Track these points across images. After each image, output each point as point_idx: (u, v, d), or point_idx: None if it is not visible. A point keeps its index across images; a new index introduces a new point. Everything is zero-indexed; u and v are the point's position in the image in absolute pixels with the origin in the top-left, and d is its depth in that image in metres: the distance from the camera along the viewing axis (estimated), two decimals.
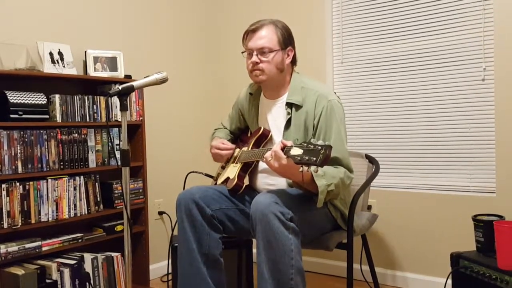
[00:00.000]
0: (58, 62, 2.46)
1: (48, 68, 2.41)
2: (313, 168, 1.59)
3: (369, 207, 2.73)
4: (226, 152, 2.17)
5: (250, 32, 2.01)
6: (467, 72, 2.56)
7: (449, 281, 2.13)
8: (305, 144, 1.63)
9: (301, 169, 1.62)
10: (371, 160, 2.43)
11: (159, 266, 3.05)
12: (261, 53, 1.98)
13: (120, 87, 1.71)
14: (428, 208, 2.67)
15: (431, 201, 2.66)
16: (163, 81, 1.82)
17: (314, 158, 1.57)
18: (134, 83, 1.76)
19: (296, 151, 1.63)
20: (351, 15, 2.93)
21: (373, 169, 2.36)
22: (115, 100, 2.64)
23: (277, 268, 1.72)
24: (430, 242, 2.67)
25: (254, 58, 1.99)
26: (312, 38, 3.03)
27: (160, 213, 3.13)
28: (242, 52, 2.07)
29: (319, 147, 1.58)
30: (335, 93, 2.09)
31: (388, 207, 2.79)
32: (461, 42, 2.57)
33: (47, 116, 2.35)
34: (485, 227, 2.06)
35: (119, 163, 1.80)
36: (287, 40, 2.02)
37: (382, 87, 2.85)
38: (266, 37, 1.98)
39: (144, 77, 1.81)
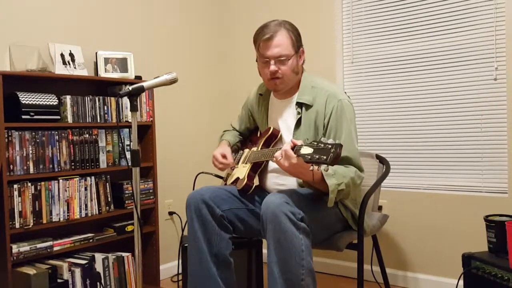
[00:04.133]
0: (69, 63, 2.48)
1: (59, 69, 2.43)
2: (323, 167, 1.58)
3: (380, 208, 2.72)
4: (221, 167, 2.16)
5: (264, 41, 1.96)
6: (479, 72, 2.54)
7: (461, 282, 2.11)
8: (315, 143, 1.62)
9: (311, 168, 1.62)
10: (381, 160, 2.42)
11: (169, 266, 3.06)
12: (279, 62, 1.96)
13: (130, 88, 1.72)
14: (440, 209, 2.65)
15: (443, 201, 2.64)
16: (173, 81, 1.83)
17: (325, 157, 1.56)
18: (144, 84, 1.77)
19: (306, 150, 1.63)
20: (361, 15, 2.92)
21: (384, 170, 2.35)
22: (126, 101, 2.65)
23: (287, 269, 1.71)
24: (441, 243, 2.65)
25: (273, 68, 1.96)
26: (322, 37, 3.02)
27: (170, 213, 3.14)
28: (256, 60, 2.05)
29: (330, 146, 1.58)
30: (345, 92, 2.08)
31: (399, 208, 2.77)
32: (473, 41, 2.55)
33: (58, 117, 2.36)
34: (497, 227, 2.04)
35: (129, 164, 1.80)
36: (299, 41, 2.02)
37: (393, 86, 2.83)
38: (282, 44, 1.95)
39: (154, 78, 1.82)
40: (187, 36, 3.29)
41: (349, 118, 1.96)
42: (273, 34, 1.95)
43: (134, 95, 1.72)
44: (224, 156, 2.16)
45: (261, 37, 1.97)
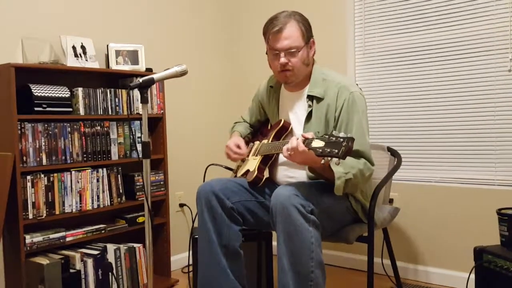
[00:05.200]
0: (80, 56, 2.50)
1: (71, 62, 2.44)
2: (335, 160, 1.58)
3: (391, 201, 2.71)
4: (235, 157, 2.16)
5: (274, 33, 1.95)
6: (493, 63, 2.50)
7: (472, 276, 2.09)
8: (327, 136, 1.61)
9: (322, 161, 1.61)
10: (393, 153, 2.40)
11: (180, 258, 3.08)
12: (289, 54, 1.95)
13: (140, 80, 1.72)
14: (452, 202, 2.63)
15: (455, 194, 2.62)
16: (183, 73, 1.82)
17: (336, 150, 1.55)
18: (155, 76, 1.77)
19: (317, 143, 1.62)
20: (374, 5, 2.88)
21: (395, 162, 2.33)
22: (137, 93, 2.67)
23: (297, 261, 1.71)
24: (453, 236, 2.63)
25: (283, 60, 1.94)
26: (334, 29, 2.99)
27: (181, 205, 3.16)
28: (266, 52, 2.04)
29: (341, 139, 1.57)
30: (357, 84, 2.06)
31: (410, 201, 2.76)
32: (487, 32, 2.51)
33: (70, 109, 2.38)
34: (509, 221, 2.01)
35: (140, 156, 1.81)
36: (309, 32, 2.00)
37: (405, 78, 2.80)
38: (292, 36, 1.94)
39: (164, 70, 1.82)
40: (197, 28, 3.29)
41: (361, 110, 1.94)
42: (282, 26, 1.94)
43: (144, 87, 1.72)
44: (238, 146, 2.16)
45: (271, 29, 1.96)
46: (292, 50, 1.94)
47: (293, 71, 1.97)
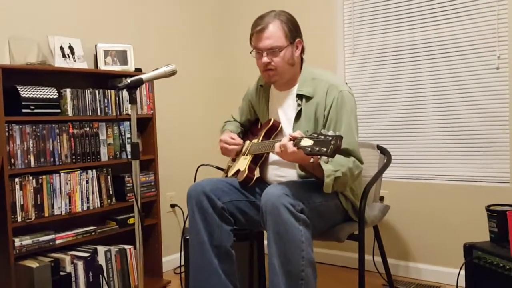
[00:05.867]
0: (69, 56, 2.47)
1: (59, 63, 2.42)
2: (324, 158, 1.58)
3: (381, 198, 2.72)
4: (233, 147, 2.16)
5: (256, 32, 1.97)
6: (481, 61, 2.52)
7: (462, 272, 2.11)
8: (316, 135, 1.62)
9: (312, 160, 1.61)
10: (383, 151, 2.41)
11: (172, 259, 3.07)
12: (271, 53, 1.96)
13: (129, 80, 1.71)
14: (441, 199, 2.65)
15: (444, 191, 2.64)
16: (172, 73, 1.82)
17: (325, 149, 1.56)
18: (143, 76, 1.76)
19: (306, 142, 1.62)
20: (363, 4, 2.89)
21: (385, 160, 2.34)
22: (126, 94, 2.65)
23: (287, 260, 1.71)
24: (443, 233, 2.65)
25: (265, 59, 1.96)
26: (323, 28, 3.00)
27: (172, 205, 3.14)
28: (251, 52, 2.05)
29: (330, 138, 1.57)
30: (346, 83, 2.07)
31: (401, 198, 2.77)
32: (475, 30, 2.53)
33: (58, 110, 2.36)
34: (498, 217, 2.03)
35: (129, 157, 1.80)
36: (294, 32, 1.99)
37: (394, 77, 2.81)
38: (274, 35, 1.95)
39: (153, 70, 1.81)
40: (187, 27, 3.28)
41: (350, 109, 1.95)
42: (264, 26, 1.95)
43: (133, 88, 1.71)
44: (232, 138, 2.16)
45: (254, 29, 1.98)
46: (274, 50, 1.94)
47: (276, 70, 1.98)
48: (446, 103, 2.64)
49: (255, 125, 2.32)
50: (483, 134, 2.54)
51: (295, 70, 2.04)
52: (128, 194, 2.66)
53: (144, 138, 2.82)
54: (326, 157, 1.57)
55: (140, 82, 1.73)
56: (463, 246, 2.11)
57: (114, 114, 2.59)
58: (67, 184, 2.37)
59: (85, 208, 2.45)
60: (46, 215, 2.29)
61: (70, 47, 2.49)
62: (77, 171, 2.42)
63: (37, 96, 2.27)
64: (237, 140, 2.17)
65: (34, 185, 2.25)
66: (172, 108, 3.14)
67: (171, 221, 3.15)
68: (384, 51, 2.83)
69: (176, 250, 3.08)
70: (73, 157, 2.41)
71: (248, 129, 2.38)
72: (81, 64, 2.51)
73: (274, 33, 1.95)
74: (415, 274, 2.75)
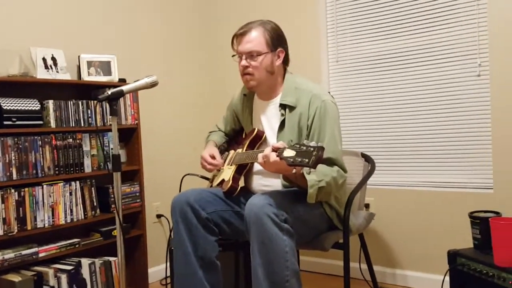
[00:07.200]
0: (51, 68, 2.46)
1: (42, 74, 2.40)
2: (306, 169, 1.59)
3: (367, 206, 2.73)
4: (210, 168, 2.15)
5: (238, 36, 2.00)
6: (463, 68, 2.55)
7: (447, 278, 2.12)
8: (298, 146, 1.63)
9: (294, 171, 1.62)
10: (367, 158, 2.42)
11: (158, 269, 3.05)
12: (250, 57, 1.97)
13: (109, 92, 1.70)
14: (426, 206, 2.66)
15: (429, 198, 2.65)
16: (153, 84, 1.81)
17: (307, 160, 1.56)
18: (124, 88, 1.75)
19: (289, 153, 1.63)
20: (346, 13, 2.92)
21: (369, 168, 2.35)
22: None
23: (272, 270, 1.71)
24: (428, 240, 2.66)
25: (244, 62, 1.98)
26: (307, 37, 3.01)
27: (158, 216, 3.12)
28: (233, 56, 2.06)
29: (312, 149, 1.58)
30: (329, 92, 2.08)
31: (386, 206, 2.78)
32: (456, 38, 2.56)
33: (41, 122, 2.34)
34: (481, 224, 2.05)
35: (110, 169, 1.79)
36: (276, 41, 2.00)
37: (378, 85, 2.83)
38: (255, 40, 1.97)
39: (134, 81, 1.80)
40: (171, 38, 3.28)
41: (333, 118, 1.95)
42: (247, 30, 1.98)
43: (113, 100, 1.70)
44: (212, 157, 2.15)
45: (236, 32, 2.01)
46: (253, 54, 1.96)
47: (254, 75, 1.99)
48: (429, 110, 2.66)
49: (240, 134, 2.32)
50: (466, 141, 2.56)
51: (275, 79, 2.05)
52: (113, 205, 2.64)
53: (129, 148, 2.81)
54: (308, 168, 1.57)
55: (121, 94, 1.72)
56: (447, 253, 2.12)
57: (98, 125, 2.57)
58: (50, 196, 2.35)
59: (68, 220, 2.42)
60: (29, 228, 2.27)
61: (53, 58, 2.48)
62: (60, 183, 2.39)
63: (19, 108, 2.25)
64: (217, 160, 2.14)
65: (16, 198, 2.23)
66: (157, 118, 3.13)
67: (157, 231, 3.12)
68: (367, 60, 2.86)
69: (162, 260, 3.06)
70: (56, 168, 2.39)
71: (233, 138, 2.38)
72: (64, 75, 2.50)
73: (255, 38, 1.97)
74: (401, 281, 2.76)
